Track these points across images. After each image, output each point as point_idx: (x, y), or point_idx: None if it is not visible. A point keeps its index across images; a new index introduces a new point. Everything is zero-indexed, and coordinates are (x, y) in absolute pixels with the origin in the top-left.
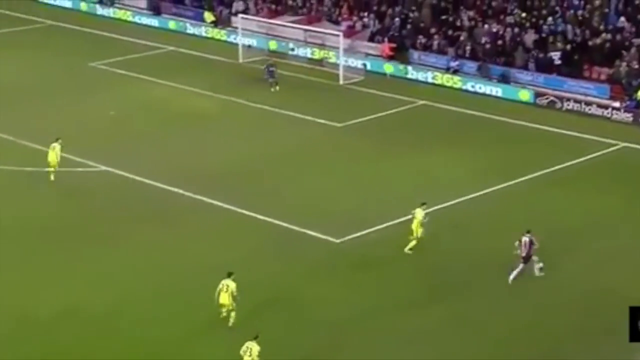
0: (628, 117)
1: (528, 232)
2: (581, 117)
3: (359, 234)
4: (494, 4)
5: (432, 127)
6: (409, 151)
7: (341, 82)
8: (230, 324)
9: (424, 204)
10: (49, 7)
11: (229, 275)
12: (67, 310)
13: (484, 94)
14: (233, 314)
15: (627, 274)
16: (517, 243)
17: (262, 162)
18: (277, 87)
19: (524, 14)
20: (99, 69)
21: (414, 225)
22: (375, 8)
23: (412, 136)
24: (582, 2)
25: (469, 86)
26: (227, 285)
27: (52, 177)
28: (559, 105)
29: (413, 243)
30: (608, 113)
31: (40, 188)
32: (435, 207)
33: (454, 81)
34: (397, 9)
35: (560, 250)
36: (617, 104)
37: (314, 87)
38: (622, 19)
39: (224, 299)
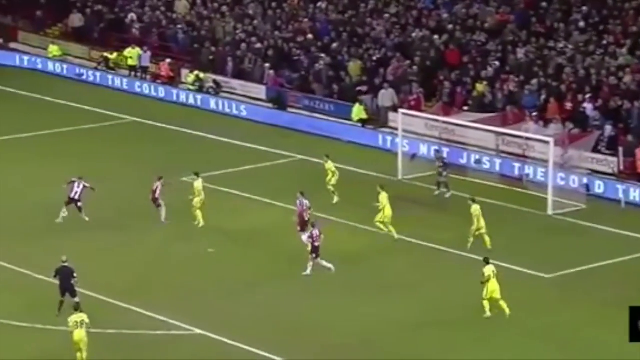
0: None
1: None
2: None
3: None
4: None
5: None
6: None
7: (550, 211)
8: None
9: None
10: (132, 97)
11: None
12: None
13: None
14: None
15: None
16: None
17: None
18: (448, 194)
19: None
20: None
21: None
22: (597, 102)
23: None
24: None
25: None
26: None
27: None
28: None
29: None
30: None
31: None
32: None
33: None
34: None
35: None
36: None
37: (509, 217)
38: None
39: None
